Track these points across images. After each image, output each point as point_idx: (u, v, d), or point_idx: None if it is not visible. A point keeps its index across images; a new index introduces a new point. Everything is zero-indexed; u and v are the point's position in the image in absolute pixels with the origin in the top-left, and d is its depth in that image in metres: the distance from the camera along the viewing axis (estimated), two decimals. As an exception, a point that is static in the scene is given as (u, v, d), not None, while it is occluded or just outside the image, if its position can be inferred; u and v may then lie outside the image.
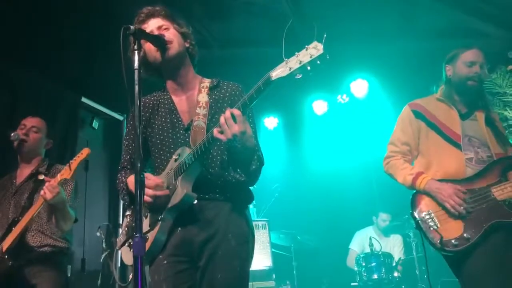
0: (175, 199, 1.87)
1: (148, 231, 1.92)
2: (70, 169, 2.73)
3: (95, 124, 5.42)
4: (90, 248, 4.66)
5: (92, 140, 5.30)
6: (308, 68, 1.59)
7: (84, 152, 2.78)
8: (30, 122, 3.12)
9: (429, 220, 2.51)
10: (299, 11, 4.55)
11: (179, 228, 1.94)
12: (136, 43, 1.72)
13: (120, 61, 1.67)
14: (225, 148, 1.98)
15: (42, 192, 2.70)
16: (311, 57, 1.57)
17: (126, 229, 2.05)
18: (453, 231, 2.43)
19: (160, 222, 1.89)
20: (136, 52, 1.71)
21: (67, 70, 4.69)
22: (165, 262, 1.91)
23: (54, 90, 4.81)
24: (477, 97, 2.76)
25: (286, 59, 1.63)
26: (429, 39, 4.94)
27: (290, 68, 1.61)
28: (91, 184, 4.86)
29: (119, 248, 2.07)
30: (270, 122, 6.82)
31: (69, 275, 4.34)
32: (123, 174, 2.13)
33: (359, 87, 6.05)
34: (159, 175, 2.02)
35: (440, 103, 2.80)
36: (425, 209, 2.56)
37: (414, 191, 2.66)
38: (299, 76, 1.62)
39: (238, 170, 1.95)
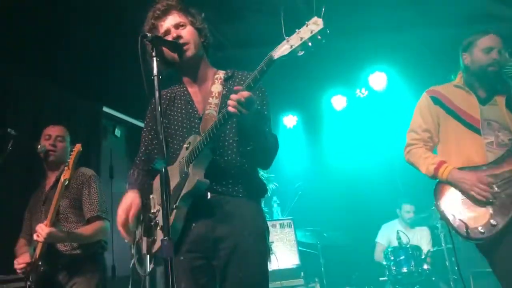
0: (188, 187, 1.89)
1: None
2: (69, 168, 2.81)
3: (117, 132, 5.53)
4: (119, 254, 4.73)
5: (115, 148, 5.40)
6: (310, 44, 1.57)
7: (76, 148, 2.85)
8: (55, 131, 3.21)
9: (454, 210, 2.48)
10: (312, 5, 4.52)
11: (194, 224, 1.95)
12: (154, 50, 1.75)
13: (139, 69, 1.71)
14: (235, 134, 2.00)
15: (34, 236, 2.78)
16: (311, 32, 1.55)
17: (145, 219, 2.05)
18: (479, 218, 2.40)
19: (175, 210, 1.90)
20: (154, 59, 1.74)
21: (88, 80, 4.79)
22: (182, 258, 1.93)
23: (76, 101, 4.93)
24: (497, 82, 2.70)
25: (287, 37, 1.62)
26: (447, 27, 4.85)
27: (292, 46, 1.60)
28: (117, 191, 4.93)
29: (137, 239, 2.10)
30: (289, 120, 6.82)
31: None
32: (135, 173, 2.19)
33: (378, 80, 6.00)
34: (171, 164, 2.03)
35: (458, 89, 2.77)
36: (449, 199, 2.53)
37: (437, 181, 2.63)
38: (301, 53, 1.61)
39: (255, 149, 1.93)
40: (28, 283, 2.85)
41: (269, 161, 2.05)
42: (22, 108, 4.35)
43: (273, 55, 1.66)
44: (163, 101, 2.18)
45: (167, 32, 2.05)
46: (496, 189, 2.42)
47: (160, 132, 1.69)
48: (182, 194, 1.90)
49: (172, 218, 1.90)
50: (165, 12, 2.09)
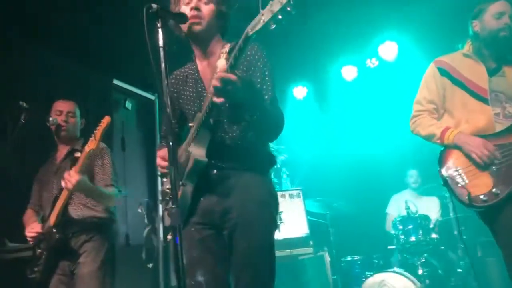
0: (190, 165, 1.96)
1: None
2: (96, 139, 2.84)
3: (128, 105, 5.59)
4: (132, 223, 4.86)
5: (126, 120, 5.47)
6: (280, 16, 1.55)
7: (105, 120, 2.87)
8: (65, 107, 3.26)
9: (457, 177, 2.50)
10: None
11: (202, 198, 2.03)
12: (160, 21, 1.76)
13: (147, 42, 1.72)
14: (234, 110, 1.97)
15: (62, 183, 2.83)
16: (281, 4, 1.54)
17: (163, 194, 2.18)
18: (482, 186, 2.42)
19: (181, 187, 1.99)
20: (160, 30, 1.75)
21: (98, 54, 4.81)
22: (193, 229, 2.02)
23: (87, 74, 4.97)
24: (508, 51, 2.67)
25: (261, 11, 1.61)
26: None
27: (263, 20, 1.59)
28: (129, 163, 5.03)
29: (163, 211, 2.20)
30: (299, 91, 6.79)
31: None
32: (160, 146, 2.26)
33: (388, 49, 5.91)
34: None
35: (466, 58, 2.74)
36: (453, 166, 2.55)
37: (442, 148, 2.65)
38: (273, 26, 1.59)
39: (255, 116, 1.91)
40: (39, 250, 2.95)
41: (272, 132, 2.04)
42: (35, 81, 4.41)
43: (248, 31, 1.66)
44: (177, 81, 2.23)
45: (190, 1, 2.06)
46: (501, 158, 2.43)
47: (167, 105, 1.71)
48: (185, 172, 1.98)
49: (179, 194, 1.96)
50: None
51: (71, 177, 2.79)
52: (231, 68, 1.75)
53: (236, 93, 1.76)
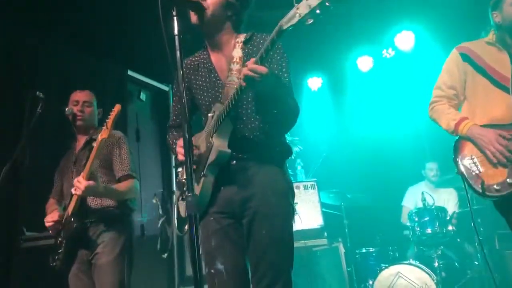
0: (212, 157, 1.95)
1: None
2: (108, 128, 2.86)
3: (143, 96, 5.61)
4: (147, 214, 4.89)
5: (140, 111, 5.50)
6: (318, 11, 1.52)
7: (116, 108, 2.89)
8: (82, 97, 3.27)
9: (472, 165, 2.46)
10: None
11: (222, 187, 2.03)
12: (175, 9, 1.74)
13: (162, 32, 1.71)
14: (260, 102, 1.99)
15: (72, 190, 2.86)
16: None
17: (179, 185, 2.18)
18: (496, 176, 2.38)
19: (203, 178, 1.98)
20: (175, 18, 1.73)
21: (113, 45, 4.83)
22: (212, 218, 2.03)
23: (101, 66, 4.99)
24: None
25: (296, 5, 1.57)
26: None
27: (300, 14, 1.56)
28: (144, 154, 5.05)
29: (176, 203, 2.20)
30: (314, 82, 6.73)
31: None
32: (170, 136, 2.31)
33: (405, 39, 5.82)
34: (201, 131, 2.12)
35: (490, 46, 2.67)
36: (468, 154, 2.51)
37: (457, 137, 2.60)
38: (310, 21, 1.56)
39: (274, 112, 1.95)
40: (60, 239, 2.98)
41: (289, 124, 2.08)
42: (51, 72, 4.44)
43: (282, 24, 1.64)
44: (188, 70, 2.22)
45: None
46: None
47: (182, 95, 1.70)
48: (207, 164, 1.97)
49: (200, 185, 1.98)
50: None
51: (80, 183, 2.82)
52: (262, 60, 1.75)
53: (265, 85, 1.77)
